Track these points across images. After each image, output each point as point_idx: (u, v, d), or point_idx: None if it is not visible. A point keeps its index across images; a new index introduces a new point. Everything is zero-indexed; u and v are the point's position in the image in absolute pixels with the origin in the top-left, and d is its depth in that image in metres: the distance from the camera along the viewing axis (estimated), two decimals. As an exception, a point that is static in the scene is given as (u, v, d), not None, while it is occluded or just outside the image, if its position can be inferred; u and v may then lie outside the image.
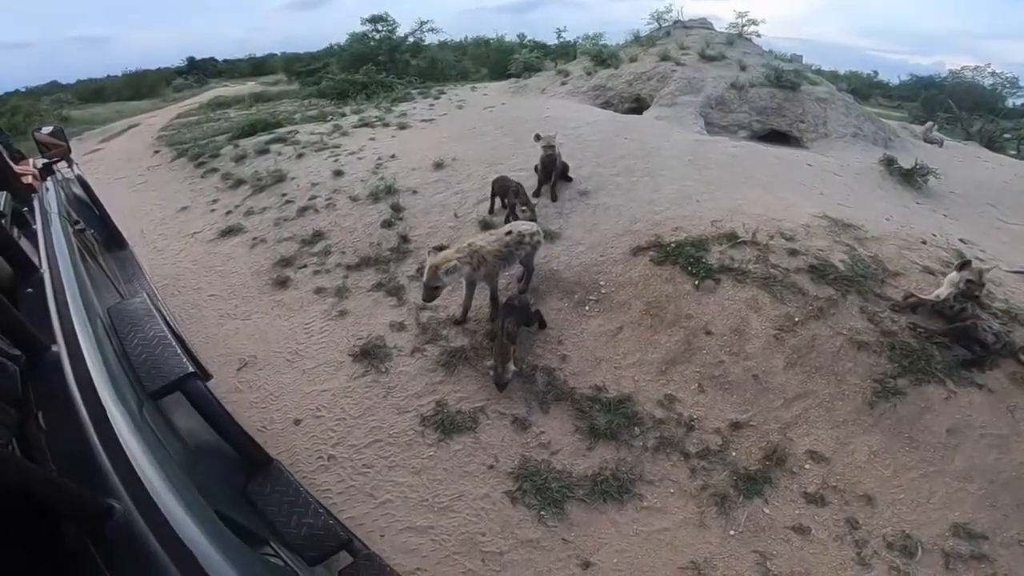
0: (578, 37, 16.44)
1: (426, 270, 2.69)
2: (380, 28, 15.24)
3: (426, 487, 2.31)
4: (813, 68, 11.44)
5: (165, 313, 2.67)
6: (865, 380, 2.68)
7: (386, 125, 6.91)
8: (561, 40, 17.08)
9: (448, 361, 2.91)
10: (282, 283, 3.68)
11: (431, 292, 2.71)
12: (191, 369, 1.17)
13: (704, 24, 11.55)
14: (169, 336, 1.30)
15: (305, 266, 3.84)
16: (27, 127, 13.97)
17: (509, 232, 3.01)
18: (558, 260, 3.58)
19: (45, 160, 3.10)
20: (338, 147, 5.95)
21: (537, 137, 4.23)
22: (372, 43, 14.53)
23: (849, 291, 3.02)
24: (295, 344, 3.15)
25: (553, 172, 4.34)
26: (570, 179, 4.53)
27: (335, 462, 2.43)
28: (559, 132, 5.69)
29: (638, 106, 8.99)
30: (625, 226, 3.81)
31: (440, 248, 2.85)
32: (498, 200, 4.12)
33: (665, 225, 3.72)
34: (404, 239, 3.93)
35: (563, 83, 9.80)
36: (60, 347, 1.01)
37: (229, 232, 4.44)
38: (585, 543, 2.13)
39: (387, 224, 4.10)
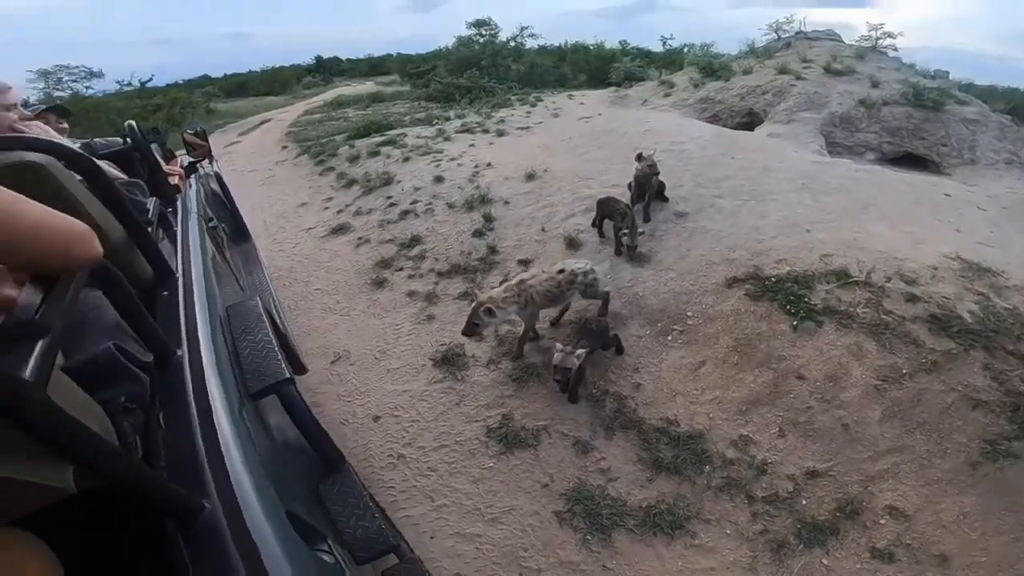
0: (686, 45, 15.76)
1: (472, 306, 2.79)
2: (483, 33, 15.73)
3: (481, 497, 2.40)
4: (962, 83, 9.99)
5: (275, 308, 2.96)
6: (973, 440, 2.38)
7: (485, 131, 7.16)
8: (667, 48, 16.49)
9: (520, 376, 2.97)
10: (379, 283, 3.97)
11: (471, 327, 2.79)
12: (288, 375, 1.31)
13: (831, 36, 10.57)
14: (274, 341, 1.45)
15: (401, 269, 4.11)
16: (182, 119, 16.20)
17: (561, 271, 2.98)
18: (644, 285, 3.50)
19: (191, 159, 3.51)
20: (440, 152, 6.27)
21: (639, 157, 4.13)
22: (476, 47, 15.02)
23: (974, 346, 2.65)
24: (384, 344, 3.39)
25: (648, 191, 4.24)
26: (666, 199, 4.38)
27: (403, 462, 2.59)
28: (659, 147, 5.56)
29: (749, 121, 8.46)
30: (722, 254, 3.61)
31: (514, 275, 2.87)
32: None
33: (768, 256, 3.48)
34: (492, 250, 4.06)
35: (667, 94, 9.48)
36: (184, 352, 1.12)
37: (339, 230, 4.87)
38: (625, 573, 2.09)
39: (478, 234, 4.26)
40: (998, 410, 2.42)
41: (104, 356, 0.87)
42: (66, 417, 0.57)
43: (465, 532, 2.25)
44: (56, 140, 1.66)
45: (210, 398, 0.98)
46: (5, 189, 0.67)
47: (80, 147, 2.59)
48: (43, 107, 2.41)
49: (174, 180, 2.62)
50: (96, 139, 2.92)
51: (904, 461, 2.40)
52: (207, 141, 3.90)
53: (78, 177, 1.14)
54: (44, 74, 17.89)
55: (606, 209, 3.92)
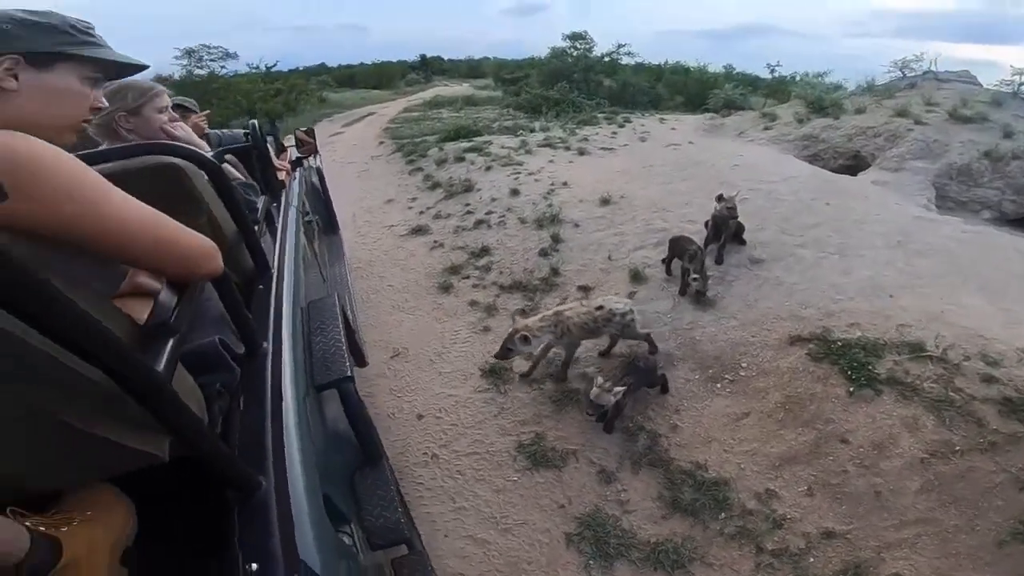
0: (796, 74, 14.86)
1: (508, 332, 2.87)
2: (578, 46, 15.80)
3: (499, 506, 2.50)
4: None
5: (349, 302, 3.20)
6: (1008, 519, 2.20)
7: (567, 148, 7.24)
8: (775, 76, 15.66)
9: (560, 399, 3.02)
10: (446, 288, 4.19)
11: (504, 352, 2.86)
12: (350, 374, 1.45)
13: (965, 78, 9.56)
14: (343, 339, 1.59)
15: (468, 277, 4.30)
16: (296, 104, 17.61)
17: (600, 307, 3.00)
18: (703, 331, 3.43)
19: (299, 155, 3.83)
20: (520, 165, 6.44)
21: (720, 198, 4.03)
22: (569, 60, 15.12)
23: None
24: (440, 347, 3.58)
25: (724, 232, 4.11)
26: (744, 242, 4.23)
27: (436, 461, 2.74)
28: (747, 184, 5.37)
29: (854, 164, 7.88)
30: (792, 309, 3.45)
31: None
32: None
33: (840, 318, 3.30)
34: (555, 271, 4.13)
35: (767, 127, 9.05)
36: (268, 344, 1.25)
37: (418, 231, 5.17)
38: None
39: (543, 253, 4.36)
40: (1048, 494, 2.19)
41: (210, 348, 1.05)
42: (179, 400, 0.71)
43: (477, 537, 2.36)
44: (193, 141, 1.94)
45: (283, 389, 1.12)
46: (152, 210, 0.85)
47: (211, 136, 2.95)
48: (183, 103, 2.73)
49: (281, 175, 2.87)
50: (224, 130, 3.31)
51: (927, 532, 2.26)
52: (314, 139, 4.29)
53: (206, 178, 1.32)
54: (188, 52, 20.10)
55: (677, 248, 3.85)
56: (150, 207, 0.85)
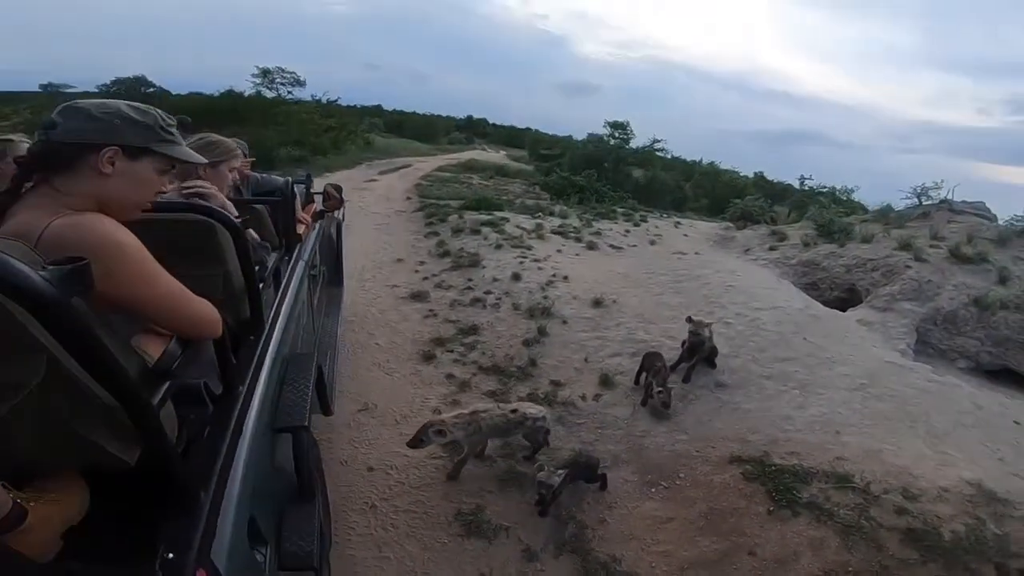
0: (825, 187, 15.26)
1: (422, 424, 3.03)
2: (616, 135, 16.75)
3: (423, 563, 2.64)
4: None
5: (329, 356, 3.41)
6: None
7: (578, 240, 7.67)
8: (804, 188, 16.10)
9: (506, 479, 3.19)
10: (428, 358, 4.44)
11: (417, 441, 2.98)
12: (305, 424, 1.69)
13: (979, 210, 9.46)
14: (309, 393, 1.83)
15: (451, 351, 4.55)
16: (341, 143, 18.68)
17: (515, 410, 3.21)
18: (653, 440, 3.64)
19: (322, 208, 4.06)
20: (529, 249, 6.85)
21: (689, 319, 4.34)
22: (605, 148, 15.99)
23: (936, 560, 2.64)
24: (408, 410, 3.77)
25: (697, 354, 4.37)
26: (714, 365, 4.46)
27: (373, 511, 2.90)
28: (733, 308, 5.65)
29: (849, 298, 8.08)
30: (739, 433, 3.68)
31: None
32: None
33: (782, 446, 3.53)
34: (532, 362, 4.37)
35: (772, 247, 9.41)
36: (243, 390, 1.45)
37: (417, 296, 5.49)
38: None
39: (527, 343, 4.62)
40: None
41: (195, 388, 1.28)
42: (161, 426, 0.95)
43: (392, 587, 2.48)
44: (227, 207, 2.26)
45: (244, 426, 1.35)
46: (180, 286, 1.12)
47: (251, 179, 3.21)
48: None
49: (301, 229, 3.09)
50: (263, 175, 3.57)
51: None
52: (341, 196, 4.68)
53: (230, 238, 1.57)
54: (264, 72, 21.60)
55: (647, 363, 4.13)
56: (179, 283, 1.14)
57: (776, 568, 2.73)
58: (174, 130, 1.16)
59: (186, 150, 1.22)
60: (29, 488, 0.88)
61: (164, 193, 1.27)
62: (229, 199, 2.18)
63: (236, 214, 2.12)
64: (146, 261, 1.05)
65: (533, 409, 3.32)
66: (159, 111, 1.14)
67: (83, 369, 0.80)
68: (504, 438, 3.31)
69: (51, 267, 0.70)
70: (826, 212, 10.99)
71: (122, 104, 1.08)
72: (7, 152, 2.53)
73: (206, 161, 1.63)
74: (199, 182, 2.11)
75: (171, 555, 0.95)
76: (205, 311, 1.20)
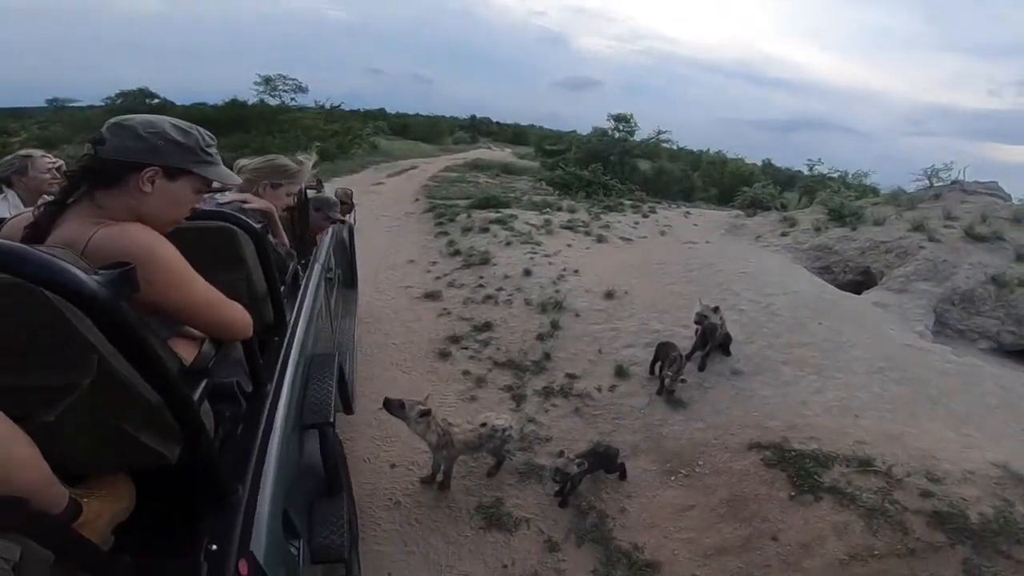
0: (835, 171, 15.13)
1: (415, 404, 2.97)
2: (621, 128, 16.66)
3: (447, 556, 2.69)
4: None
5: (349, 356, 3.49)
6: None
7: (587, 234, 7.68)
8: (813, 173, 15.95)
9: (526, 471, 3.24)
10: (444, 355, 4.50)
11: (392, 406, 2.90)
12: (331, 420, 1.77)
13: (992, 190, 9.40)
14: (333, 391, 1.91)
15: (466, 348, 4.61)
16: (347, 148, 18.82)
17: (484, 424, 3.15)
18: (671, 428, 3.65)
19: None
20: (539, 245, 6.88)
21: (700, 303, 4.35)
22: (610, 141, 15.91)
23: (964, 542, 2.58)
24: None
25: (711, 342, 4.36)
26: (729, 353, 4.45)
27: (398, 507, 2.96)
28: (747, 295, 5.62)
29: (863, 280, 8.00)
30: (758, 420, 3.66)
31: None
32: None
33: (801, 432, 3.49)
34: (547, 356, 4.41)
35: (784, 233, 9.36)
36: (271, 388, 1.51)
37: (430, 296, 5.56)
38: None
39: (540, 337, 4.66)
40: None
41: (228, 386, 1.34)
42: (202, 422, 1.01)
43: (416, 578, 2.55)
44: (250, 213, 2.33)
45: (274, 423, 1.41)
46: (215, 291, 1.18)
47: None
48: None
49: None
50: None
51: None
52: (352, 201, 4.76)
53: (253, 245, 1.64)
54: (266, 80, 21.85)
55: (661, 353, 4.13)
56: (213, 288, 1.20)
57: (800, 552, 2.72)
58: (213, 150, 1.20)
59: (223, 171, 1.27)
60: (80, 486, 0.94)
61: (196, 211, 1.32)
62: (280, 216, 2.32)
63: (285, 242, 2.24)
64: (184, 268, 1.11)
65: (500, 420, 3.24)
66: (201, 131, 1.18)
67: (132, 368, 0.86)
68: (476, 453, 3.26)
69: (102, 271, 0.76)
70: (837, 196, 10.91)
71: (167, 124, 1.12)
72: (29, 166, 2.65)
73: (240, 181, 1.69)
74: (247, 195, 2.21)
75: (215, 547, 1.00)
76: (238, 314, 1.26)
